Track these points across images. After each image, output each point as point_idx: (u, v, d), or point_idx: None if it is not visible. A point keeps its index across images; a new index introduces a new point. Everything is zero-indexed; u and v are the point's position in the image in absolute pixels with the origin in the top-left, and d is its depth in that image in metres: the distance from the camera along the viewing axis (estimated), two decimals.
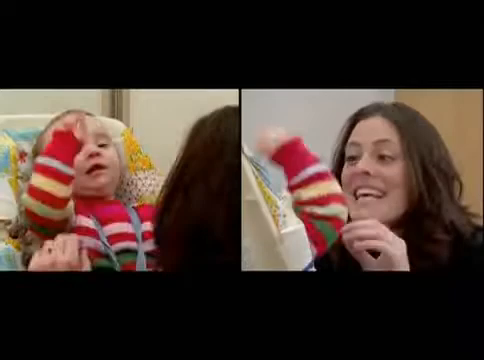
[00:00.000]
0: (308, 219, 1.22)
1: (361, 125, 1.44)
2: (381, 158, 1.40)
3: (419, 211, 1.38)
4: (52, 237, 1.42)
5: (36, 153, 1.59)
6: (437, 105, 1.96)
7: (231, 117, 1.26)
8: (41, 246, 1.50)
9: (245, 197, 1.17)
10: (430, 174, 1.39)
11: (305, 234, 1.21)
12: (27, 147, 1.63)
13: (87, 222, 1.50)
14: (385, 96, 2.11)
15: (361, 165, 1.40)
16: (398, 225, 1.39)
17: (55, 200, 1.40)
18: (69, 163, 1.41)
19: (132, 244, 1.51)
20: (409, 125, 1.41)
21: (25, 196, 1.42)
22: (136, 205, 1.63)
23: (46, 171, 1.40)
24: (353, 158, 1.42)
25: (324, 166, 1.26)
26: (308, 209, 1.22)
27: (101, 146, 1.58)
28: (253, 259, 1.19)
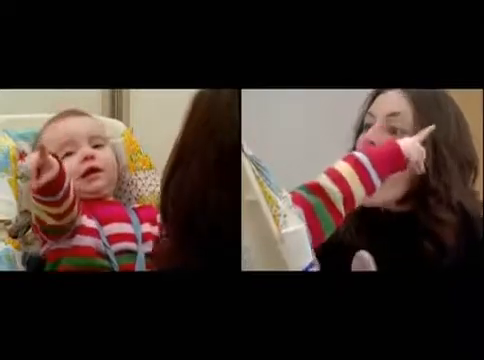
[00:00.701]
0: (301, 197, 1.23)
1: (381, 97, 1.45)
2: (392, 131, 1.40)
3: (424, 188, 1.38)
4: (58, 237, 1.43)
5: None
6: None
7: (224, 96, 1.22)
8: (42, 246, 1.51)
9: (245, 197, 1.17)
10: (440, 152, 1.38)
11: (306, 234, 1.21)
12: (27, 147, 1.63)
13: (90, 222, 1.50)
14: None
15: (368, 134, 1.41)
16: (403, 201, 1.39)
17: (54, 217, 1.42)
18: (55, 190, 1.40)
19: (131, 245, 1.51)
20: (427, 103, 1.41)
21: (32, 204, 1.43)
22: (136, 206, 1.63)
23: (35, 200, 1.41)
24: (368, 127, 1.43)
25: None
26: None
27: (96, 147, 1.58)
28: (253, 259, 1.19)
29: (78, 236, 1.47)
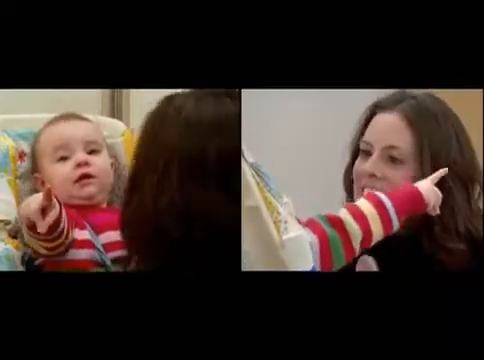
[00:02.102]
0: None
1: (377, 120, 1.42)
2: (391, 160, 1.38)
3: (429, 217, 1.35)
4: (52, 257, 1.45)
5: (33, 155, 1.60)
6: None
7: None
8: (36, 257, 1.51)
9: (245, 203, 1.17)
10: (443, 178, 1.35)
11: (306, 240, 1.21)
12: (26, 147, 1.63)
13: (83, 234, 1.50)
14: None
15: (368, 166, 1.39)
16: (409, 229, 1.37)
17: (48, 250, 1.43)
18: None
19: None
20: (427, 125, 1.38)
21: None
22: None
23: (30, 235, 1.42)
24: (365, 153, 1.41)
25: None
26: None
27: (92, 152, 1.58)
28: (253, 264, 1.19)
29: (72, 250, 1.48)
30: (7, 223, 1.55)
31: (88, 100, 2.02)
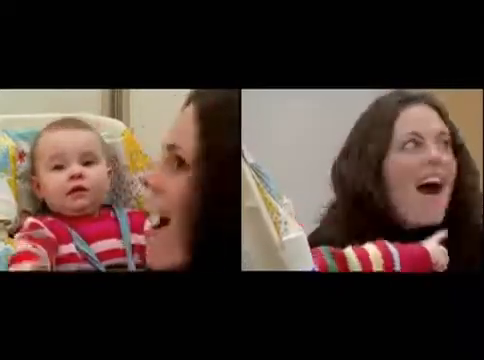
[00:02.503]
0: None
1: (411, 113, 1.45)
2: (445, 145, 1.43)
3: (457, 199, 1.41)
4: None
5: (32, 157, 1.60)
6: None
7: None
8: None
9: (245, 203, 1.17)
10: (471, 167, 1.44)
11: (306, 241, 1.21)
12: (26, 147, 1.63)
13: (69, 248, 1.51)
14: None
15: (434, 153, 1.41)
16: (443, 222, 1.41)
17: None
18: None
19: (121, 259, 1.53)
20: (447, 115, 1.45)
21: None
22: (131, 211, 1.63)
23: None
24: (417, 144, 1.43)
25: None
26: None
27: (87, 164, 1.57)
28: (253, 265, 1.18)
29: (58, 267, 1.50)
30: (7, 223, 1.55)
31: (88, 100, 2.02)
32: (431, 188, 1.41)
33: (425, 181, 1.41)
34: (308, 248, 1.20)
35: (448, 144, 1.43)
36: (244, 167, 1.18)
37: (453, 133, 1.44)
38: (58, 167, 1.56)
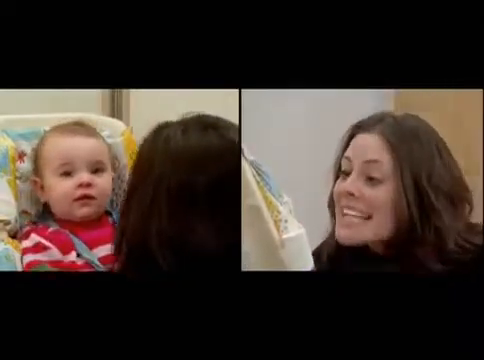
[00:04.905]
0: None
1: (357, 140, 1.40)
2: (369, 179, 1.35)
3: (411, 236, 1.33)
4: None
5: (36, 158, 1.60)
6: (437, 105, 1.96)
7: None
8: None
9: (245, 202, 1.17)
10: (426, 197, 1.33)
11: (306, 239, 1.21)
12: (26, 147, 1.62)
13: (70, 257, 1.52)
14: (385, 96, 2.12)
15: (347, 185, 1.36)
16: (390, 248, 1.36)
17: None
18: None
19: None
20: (407, 144, 1.35)
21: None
22: None
23: None
24: (345, 173, 1.39)
25: None
26: None
27: (96, 171, 1.57)
28: (253, 263, 1.19)
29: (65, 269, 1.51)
30: (7, 223, 1.55)
31: (88, 100, 2.02)
32: (351, 217, 1.37)
33: (343, 211, 1.37)
34: (308, 246, 1.20)
35: (378, 175, 1.34)
36: (244, 165, 1.18)
37: (402, 168, 1.34)
38: (66, 173, 1.55)
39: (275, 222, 1.19)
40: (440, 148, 1.38)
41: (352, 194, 1.36)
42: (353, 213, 1.35)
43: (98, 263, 1.51)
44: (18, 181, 1.60)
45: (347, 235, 1.36)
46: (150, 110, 2.17)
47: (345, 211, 1.36)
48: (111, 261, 1.52)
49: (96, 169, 1.57)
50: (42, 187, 1.57)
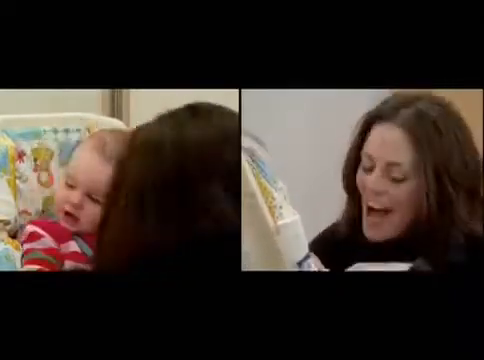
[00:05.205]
0: None
1: (376, 133, 1.40)
2: (393, 178, 1.37)
3: (430, 230, 1.35)
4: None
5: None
6: None
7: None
8: None
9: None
10: (445, 189, 1.34)
11: (301, 226, 1.21)
12: (26, 147, 1.63)
13: (70, 246, 1.53)
14: (383, 96, 2.11)
15: (372, 184, 1.38)
16: (408, 242, 1.37)
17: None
18: None
19: None
20: (428, 138, 1.35)
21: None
22: None
23: None
24: (367, 167, 1.40)
25: None
26: None
27: (93, 200, 1.54)
28: (248, 250, 1.18)
29: (66, 262, 1.52)
30: (7, 223, 1.55)
31: (88, 100, 2.02)
32: (375, 210, 1.39)
33: (368, 203, 1.39)
34: (303, 233, 1.20)
35: (401, 175, 1.36)
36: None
37: (425, 162, 1.36)
38: (68, 185, 1.55)
39: (270, 208, 1.19)
40: (458, 137, 1.39)
41: (379, 193, 1.37)
42: (377, 207, 1.37)
43: None
44: (18, 181, 1.60)
45: (374, 233, 1.39)
46: (150, 110, 2.16)
47: (369, 203, 1.38)
48: None
49: (95, 198, 1.54)
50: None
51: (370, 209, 1.39)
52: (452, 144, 1.37)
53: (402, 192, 1.36)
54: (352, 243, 1.43)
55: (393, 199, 1.36)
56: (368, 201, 1.39)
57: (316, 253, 1.31)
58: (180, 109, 1.22)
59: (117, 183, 1.18)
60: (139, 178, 1.14)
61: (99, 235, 1.22)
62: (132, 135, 1.24)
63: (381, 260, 1.36)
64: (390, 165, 1.37)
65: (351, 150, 1.44)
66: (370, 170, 1.39)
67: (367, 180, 1.39)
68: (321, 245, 1.42)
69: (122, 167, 1.18)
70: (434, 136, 1.36)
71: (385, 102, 1.43)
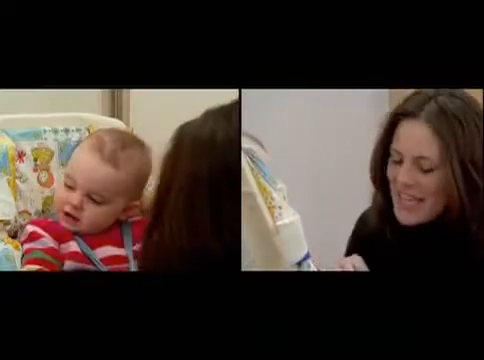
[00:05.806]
0: None
1: (403, 130, 1.44)
2: (422, 169, 1.42)
3: (462, 216, 1.40)
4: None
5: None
6: None
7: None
8: None
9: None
10: (471, 176, 1.40)
11: (301, 226, 1.21)
12: (26, 147, 1.62)
13: (71, 246, 1.52)
14: (380, 96, 2.12)
15: (402, 177, 1.43)
16: (443, 227, 1.42)
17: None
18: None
19: (124, 265, 1.53)
20: (452, 131, 1.41)
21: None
22: (134, 220, 1.61)
23: None
24: (396, 161, 1.45)
25: None
26: None
27: (93, 200, 1.54)
28: (247, 250, 1.19)
29: (66, 262, 1.51)
30: (7, 223, 1.55)
31: (88, 100, 2.02)
32: (406, 200, 1.44)
33: (400, 195, 1.44)
34: (302, 233, 1.21)
35: (429, 167, 1.41)
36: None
37: (451, 155, 1.41)
38: (68, 186, 1.55)
39: (269, 209, 1.20)
40: (479, 126, 1.43)
41: (408, 185, 1.42)
42: (408, 197, 1.43)
43: (100, 263, 1.50)
44: (18, 181, 1.60)
45: (407, 216, 1.44)
46: (150, 110, 2.17)
47: (402, 196, 1.44)
48: (114, 262, 1.52)
49: (94, 199, 1.53)
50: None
51: (403, 199, 1.44)
52: (473, 134, 1.42)
53: (431, 182, 1.41)
54: (383, 232, 1.48)
55: (424, 189, 1.42)
56: (400, 193, 1.44)
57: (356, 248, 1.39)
58: (226, 105, 1.24)
59: (167, 183, 1.19)
60: (192, 178, 1.16)
61: (147, 235, 1.24)
62: (178, 133, 1.23)
63: (413, 247, 1.42)
64: (418, 158, 1.42)
65: (378, 146, 1.50)
66: (399, 163, 1.44)
67: (397, 174, 1.44)
68: (358, 240, 1.50)
69: (171, 167, 1.19)
70: (457, 129, 1.41)
71: (408, 100, 1.47)
